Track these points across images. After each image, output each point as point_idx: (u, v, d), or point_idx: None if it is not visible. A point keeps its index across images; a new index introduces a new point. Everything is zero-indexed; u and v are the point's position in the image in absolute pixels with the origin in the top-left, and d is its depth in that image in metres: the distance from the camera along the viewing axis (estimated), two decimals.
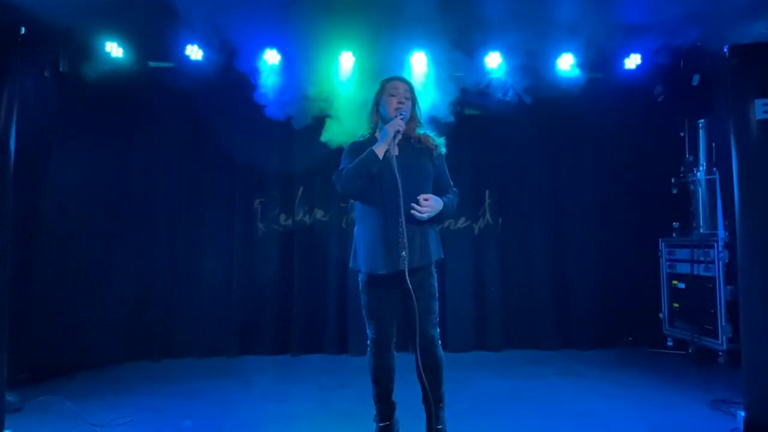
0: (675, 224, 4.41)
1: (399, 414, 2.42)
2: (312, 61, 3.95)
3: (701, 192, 4.17)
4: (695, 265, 4.04)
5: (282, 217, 4.45)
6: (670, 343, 4.36)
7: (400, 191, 2.10)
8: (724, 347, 3.77)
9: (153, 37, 3.85)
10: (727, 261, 3.81)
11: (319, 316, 4.35)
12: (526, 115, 4.29)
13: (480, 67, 4.11)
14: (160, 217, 4.30)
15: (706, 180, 4.14)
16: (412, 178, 2.18)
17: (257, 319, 4.33)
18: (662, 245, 4.46)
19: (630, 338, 4.47)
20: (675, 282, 4.31)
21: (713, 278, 3.88)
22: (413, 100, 2.31)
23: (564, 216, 4.57)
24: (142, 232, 4.25)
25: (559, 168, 4.59)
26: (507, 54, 4.06)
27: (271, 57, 3.98)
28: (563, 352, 4.33)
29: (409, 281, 2.08)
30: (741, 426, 2.52)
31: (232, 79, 3.98)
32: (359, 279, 2.29)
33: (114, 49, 3.90)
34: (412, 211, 2.11)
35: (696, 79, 4.24)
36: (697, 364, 3.85)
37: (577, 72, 4.15)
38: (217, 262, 4.34)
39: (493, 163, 4.56)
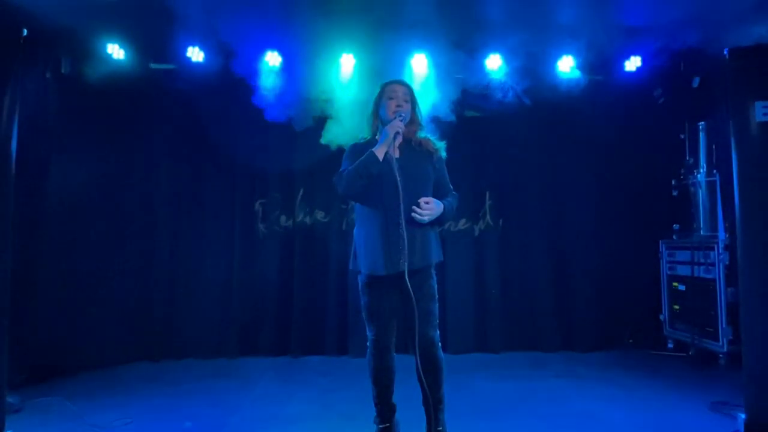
0: (675, 226, 4.41)
1: (399, 416, 2.42)
2: (313, 62, 3.96)
3: (701, 194, 4.17)
4: (696, 267, 4.04)
5: (283, 218, 4.45)
6: (670, 345, 4.35)
7: (401, 193, 2.11)
8: (725, 349, 3.76)
9: (154, 39, 3.86)
10: (727, 263, 3.80)
11: (319, 318, 4.35)
12: (526, 117, 4.29)
13: (480, 68, 4.12)
14: (161, 219, 4.30)
15: (707, 182, 4.14)
16: (412, 181, 2.19)
17: (258, 321, 4.34)
18: (663, 247, 4.46)
19: (630, 340, 4.47)
20: (675, 284, 4.31)
21: (714, 280, 3.88)
22: (413, 103, 2.33)
23: (564, 217, 4.57)
24: (143, 233, 4.26)
25: (560, 170, 4.59)
26: (507, 56, 4.06)
27: (272, 59, 3.99)
28: (563, 353, 4.33)
29: (409, 283, 2.09)
30: (741, 428, 2.52)
31: (233, 80, 3.99)
32: (359, 280, 2.29)
33: (115, 51, 3.91)
34: (413, 214, 2.13)
35: (696, 82, 4.25)
36: (697, 366, 3.85)
37: (577, 74, 4.15)
38: (218, 263, 4.34)
39: (493, 164, 4.56)
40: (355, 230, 2.34)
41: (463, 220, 4.48)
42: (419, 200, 2.15)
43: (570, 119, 4.48)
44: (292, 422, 2.79)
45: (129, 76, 4.03)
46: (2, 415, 2.36)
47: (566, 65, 4.15)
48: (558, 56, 4.14)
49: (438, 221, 2.26)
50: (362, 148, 2.25)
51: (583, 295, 4.48)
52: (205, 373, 3.80)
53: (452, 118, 3.99)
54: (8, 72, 2.41)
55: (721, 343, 3.78)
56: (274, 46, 3.98)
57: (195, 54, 3.95)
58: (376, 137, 2.31)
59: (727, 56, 2.67)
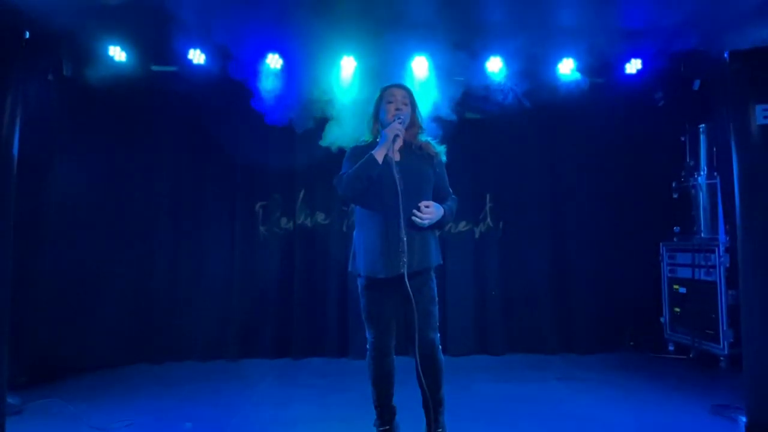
0: (676, 228, 4.41)
1: (399, 418, 2.42)
2: (314, 65, 3.97)
3: (702, 196, 4.17)
4: (696, 269, 4.04)
5: (283, 220, 4.46)
6: (671, 348, 4.35)
7: (400, 196, 2.11)
8: (726, 352, 3.76)
9: (156, 41, 3.87)
10: (728, 265, 3.80)
11: (320, 320, 4.35)
12: (527, 120, 4.30)
13: (481, 71, 4.13)
14: (162, 220, 4.31)
15: (707, 184, 4.15)
16: (412, 184, 2.19)
17: (258, 322, 4.34)
18: (663, 249, 4.45)
19: (631, 343, 4.47)
20: (676, 286, 4.30)
21: (714, 283, 3.87)
22: (413, 106, 2.34)
23: (565, 220, 4.57)
24: (144, 234, 4.26)
25: (560, 172, 4.59)
26: (508, 58, 4.07)
27: (273, 61, 4.01)
28: (564, 356, 4.32)
29: (408, 285, 2.09)
30: (742, 431, 2.51)
31: (235, 82, 4.00)
32: (358, 283, 2.29)
33: (117, 53, 3.92)
34: (413, 218, 2.13)
35: (696, 84, 4.25)
36: (698, 369, 3.84)
37: (577, 76, 4.16)
38: (219, 265, 4.35)
39: (494, 167, 4.56)
40: (354, 233, 2.34)
41: (464, 222, 4.48)
42: (419, 204, 2.15)
43: (570, 122, 4.48)
44: (293, 424, 2.79)
45: (130, 78, 4.04)
46: (3, 417, 2.36)
47: (567, 68, 4.15)
48: (558, 59, 4.15)
49: (437, 225, 2.26)
50: (362, 151, 2.25)
51: (583, 298, 4.48)
52: (205, 375, 3.80)
53: (453, 120, 4.00)
54: (10, 74, 2.42)
55: (721, 346, 3.78)
56: (275, 49, 3.99)
57: (196, 56, 3.96)
58: (377, 140, 2.31)
59: (727, 59, 2.67)
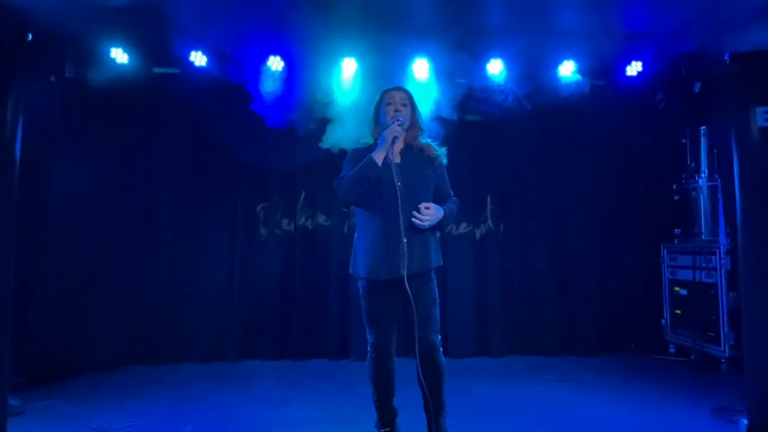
0: (677, 231, 4.41)
1: (400, 420, 2.42)
2: (315, 67, 3.98)
3: (703, 199, 4.17)
4: (697, 271, 4.04)
5: (284, 221, 4.46)
6: (672, 350, 4.34)
7: (399, 197, 2.11)
8: (727, 354, 3.76)
9: (158, 43, 3.88)
10: (729, 268, 3.80)
11: (320, 321, 4.35)
12: (527, 122, 4.31)
13: (482, 73, 4.14)
14: (163, 221, 4.31)
15: (708, 187, 4.15)
16: (413, 186, 2.19)
17: (258, 324, 4.34)
18: (664, 252, 4.45)
19: (632, 345, 4.47)
20: (677, 288, 4.30)
21: (715, 285, 3.87)
22: (413, 108, 2.34)
23: (565, 222, 4.57)
24: (145, 236, 4.26)
25: (561, 174, 4.60)
26: (509, 60, 4.08)
27: (275, 63, 4.02)
28: (565, 358, 4.32)
29: (408, 287, 2.09)
30: None
31: (236, 84, 4.01)
32: (359, 285, 2.29)
33: (119, 55, 3.93)
34: (413, 220, 2.13)
35: (697, 86, 4.26)
36: (699, 371, 3.84)
37: (578, 79, 4.16)
38: (219, 266, 4.35)
39: (494, 168, 4.57)
40: (355, 235, 2.34)
41: (465, 224, 4.49)
42: (419, 206, 2.15)
43: (571, 124, 4.49)
44: (293, 426, 2.79)
45: (132, 80, 4.05)
46: (4, 418, 2.36)
47: (567, 70, 4.16)
48: (559, 61, 4.16)
49: (438, 226, 2.26)
50: (363, 153, 2.26)
51: (584, 300, 4.47)
52: (205, 377, 3.80)
53: (453, 121, 4.01)
54: (13, 75, 2.43)
55: (722, 348, 3.78)
56: (276, 51, 4.00)
57: (198, 58, 3.97)
58: (377, 142, 2.32)
59: (728, 61, 2.68)
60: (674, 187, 4.40)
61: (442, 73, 4.05)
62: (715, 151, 4.14)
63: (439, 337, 2.25)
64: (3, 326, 2.34)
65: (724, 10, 3.33)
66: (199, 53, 3.96)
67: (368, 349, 2.31)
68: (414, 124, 2.34)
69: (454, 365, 3.95)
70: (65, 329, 3.84)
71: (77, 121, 3.96)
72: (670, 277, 4.39)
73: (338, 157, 3.61)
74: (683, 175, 4.36)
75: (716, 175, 4.10)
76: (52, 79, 3.77)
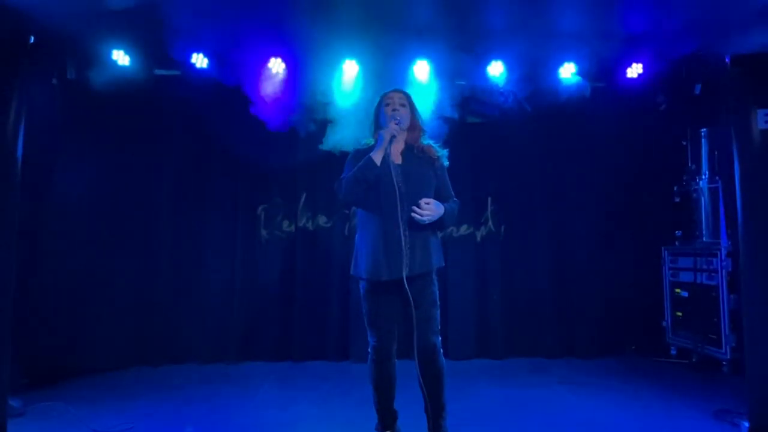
0: (678, 233, 4.40)
1: (401, 422, 2.41)
2: (316, 69, 3.99)
3: (704, 200, 4.17)
4: (698, 273, 4.03)
5: (285, 223, 4.46)
6: (673, 352, 4.33)
7: (398, 198, 2.11)
8: (728, 356, 3.75)
9: (159, 45, 3.89)
10: (730, 270, 3.80)
11: (321, 323, 4.35)
12: (528, 124, 4.31)
13: (483, 75, 4.14)
14: (164, 223, 4.32)
15: (709, 188, 4.14)
16: (414, 187, 2.20)
17: (259, 325, 4.34)
18: (665, 253, 4.45)
19: (633, 347, 4.46)
20: (678, 290, 4.29)
21: (716, 287, 3.87)
22: (412, 108, 2.35)
23: (566, 223, 4.57)
24: (146, 238, 4.27)
25: (562, 176, 4.60)
26: (510, 62, 4.08)
27: (276, 65, 4.02)
28: (566, 360, 4.31)
29: (409, 289, 2.09)
30: None
31: (237, 86, 4.02)
32: (360, 286, 2.30)
33: (121, 57, 3.94)
34: (413, 215, 2.13)
35: (698, 89, 4.26)
36: (700, 374, 3.83)
37: (579, 81, 4.16)
38: (220, 268, 4.35)
39: (495, 170, 4.57)
40: (356, 236, 2.35)
41: (465, 226, 4.49)
42: (419, 201, 2.15)
43: (572, 126, 4.49)
44: (293, 427, 2.79)
45: (134, 81, 4.06)
46: (5, 420, 2.37)
47: (568, 72, 4.16)
48: (560, 63, 4.16)
49: (439, 225, 2.26)
50: (364, 153, 2.26)
51: (585, 302, 4.47)
52: (206, 378, 3.80)
53: (454, 123, 4.01)
54: (15, 77, 2.44)
55: (724, 350, 3.77)
56: (277, 53, 4.01)
57: (199, 60, 3.98)
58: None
59: (729, 63, 2.68)
60: (675, 188, 4.40)
61: (443, 75, 4.05)
62: (716, 153, 4.14)
63: (440, 338, 2.25)
64: (4, 328, 2.34)
65: (725, 11, 3.33)
66: (201, 55, 3.97)
67: (369, 350, 2.31)
68: (414, 125, 2.35)
69: (455, 367, 3.94)
70: (66, 330, 3.84)
71: (79, 122, 3.97)
72: (671, 279, 4.39)
73: (339, 158, 3.62)
74: (684, 177, 4.35)
75: (717, 177, 4.09)
76: (54, 81, 3.78)
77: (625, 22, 3.59)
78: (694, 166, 4.30)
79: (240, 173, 4.42)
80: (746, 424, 2.53)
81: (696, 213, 4.25)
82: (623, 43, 3.84)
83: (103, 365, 3.94)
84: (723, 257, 3.84)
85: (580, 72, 4.16)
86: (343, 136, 3.78)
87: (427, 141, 2.38)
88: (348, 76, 4.04)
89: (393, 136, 2.21)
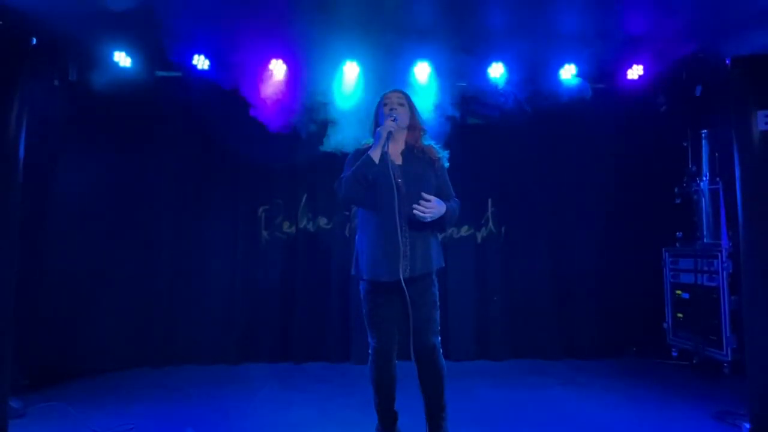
0: (678, 234, 4.40)
1: (401, 423, 2.41)
2: (317, 70, 3.99)
3: (704, 202, 4.17)
4: (699, 275, 4.03)
5: (286, 224, 4.47)
6: (674, 354, 4.33)
7: (396, 197, 2.11)
8: (729, 358, 3.74)
9: (160, 47, 3.90)
10: (731, 271, 3.79)
11: (321, 324, 4.35)
12: (529, 125, 4.31)
13: (483, 76, 4.15)
14: (165, 224, 4.32)
15: (710, 190, 4.14)
16: (414, 187, 2.19)
17: (260, 327, 4.34)
18: (666, 255, 4.45)
19: (634, 348, 4.45)
20: (679, 292, 4.29)
21: (717, 288, 3.86)
22: (410, 108, 2.35)
23: (567, 225, 4.57)
24: (147, 238, 4.27)
25: (562, 177, 4.60)
26: (510, 64, 4.09)
27: (277, 66, 4.03)
28: (566, 361, 4.31)
29: (408, 290, 2.09)
30: None
31: (238, 88, 4.02)
32: (360, 287, 2.30)
33: (122, 59, 3.95)
34: (415, 212, 2.11)
35: (698, 90, 4.26)
36: (701, 375, 3.83)
37: (579, 82, 4.17)
38: (221, 269, 4.36)
39: (496, 171, 4.57)
40: (357, 236, 2.34)
41: (466, 227, 4.49)
42: (421, 198, 2.13)
43: (572, 127, 4.49)
44: (294, 429, 2.78)
45: (135, 83, 4.07)
46: (5, 420, 2.37)
47: (568, 73, 4.17)
48: (560, 64, 4.17)
49: (439, 225, 2.25)
50: (363, 153, 2.26)
51: (586, 303, 4.47)
52: (206, 379, 3.80)
53: (455, 125, 4.02)
54: (17, 79, 2.45)
55: (725, 352, 3.76)
56: (278, 54, 4.02)
57: (200, 62, 3.99)
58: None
59: (729, 65, 2.68)
60: (676, 190, 4.40)
61: (444, 76, 4.06)
62: (716, 155, 4.14)
63: (439, 339, 2.25)
64: (5, 329, 2.34)
65: (725, 13, 3.34)
66: (202, 57, 3.98)
67: (369, 352, 2.31)
68: (414, 124, 2.34)
69: (455, 368, 3.94)
70: (67, 332, 3.84)
71: (80, 124, 3.98)
72: (671, 280, 4.38)
73: (340, 159, 3.59)
74: (685, 179, 4.35)
75: (718, 178, 4.09)
76: (56, 82, 3.79)
77: (626, 23, 3.59)
78: (694, 168, 4.30)
79: (241, 174, 4.43)
80: (747, 426, 2.53)
81: (697, 214, 4.25)
82: (624, 45, 3.85)
83: (104, 366, 3.94)
84: (724, 258, 3.84)
85: (580, 73, 4.17)
86: (344, 137, 3.79)
87: (428, 142, 2.37)
88: (349, 78, 4.05)
89: (390, 133, 2.20)
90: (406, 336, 2.24)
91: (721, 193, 4.05)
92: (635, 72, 4.26)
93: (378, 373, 2.29)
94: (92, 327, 3.98)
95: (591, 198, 4.56)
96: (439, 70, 4.06)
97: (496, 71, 4.11)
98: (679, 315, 4.28)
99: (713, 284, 3.91)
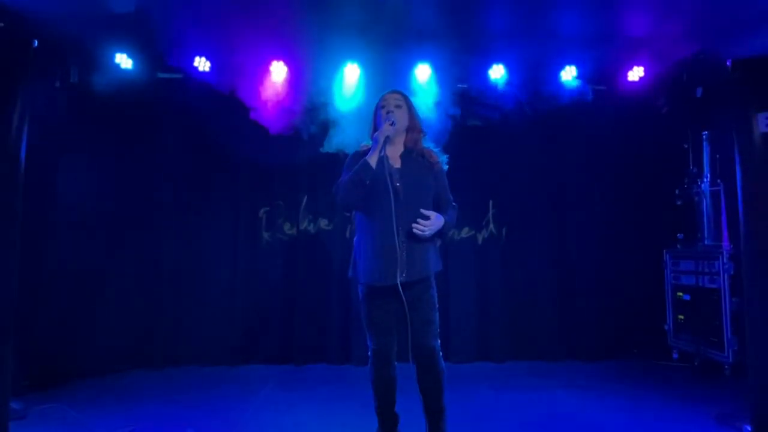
0: (679, 236, 4.40)
1: (402, 425, 2.41)
2: (317, 72, 4.00)
3: (705, 203, 4.17)
4: (700, 276, 4.02)
5: (286, 226, 4.47)
6: (675, 356, 4.32)
7: (393, 201, 2.10)
8: (730, 360, 3.73)
9: (162, 48, 3.91)
10: (732, 273, 3.79)
11: (322, 326, 4.35)
12: (529, 127, 4.31)
13: (484, 78, 4.15)
14: (166, 226, 4.32)
15: (711, 191, 4.14)
16: (412, 191, 2.19)
17: (261, 328, 4.34)
18: (667, 257, 4.44)
19: (635, 350, 4.45)
20: (680, 294, 4.28)
21: (718, 290, 3.86)
22: (409, 108, 2.32)
23: (568, 226, 4.57)
24: (148, 240, 4.28)
25: (563, 179, 4.60)
26: (510, 66, 4.09)
27: (278, 68, 4.04)
28: (567, 363, 4.30)
29: (405, 294, 2.08)
30: None
31: (239, 90, 4.03)
32: (359, 290, 2.29)
33: (123, 61, 3.96)
34: (414, 230, 2.11)
35: (699, 92, 4.26)
36: (702, 377, 3.82)
37: (580, 84, 4.17)
38: (222, 270, 4.36)
39: (496, 173, 4.57)
40: (355, 239, 2.34)
41: (466, 229, 4.49)
42: (420, 216, 2.12)
43: (573, 129, 4.50)
44: (295, 430, 2.78)
45: (137, 85, 4.08)
46: (6, 422, 2.37)
47: (569, 75, 4.17)
48: (561, 66, 4.17)
49: (438, 234, 2.24)
50: (361, 156, 2.24)
51: (587, 305, 4.46)
52: (207, 381, 3.80)
53: (455, 126, 4.02)
54: (19, 81, 2.45)
55: (726, 354, 3.75)
56: (279, 56, 4.03)
57: (202, 64, 4.00)
58: None
59: (729, 67, 2.68)
60: (677, 192, 4.40)
61: (444, 78, 4.06)
62: (717, 156, 4.13)
63: (439, 341, 2.24)
64: (6, 330, 2.35)
65: (726, 15, 3.34)
66: (203, 59, 3.99)
67: (369, 355, 2.30)
68: (413, 125, 2.32)
69: (456, 370, 3.94)
70: (67, 333, 3.84)
71: (82, 125, 3.99)
72: (672, 282, 4.38)
73: (340, 161, 3.60)
74: (686, 180, 4.35)
75: (719, 180, 4.09)
76: (57, 84, 3.80)
77: (627, 25, 3.60)
78: (695, 169, 4.30)
79: (241, 176, 4.44)
80: (748, 428, 2.52)
81: (698, 216, 4.25)
82: (624, 46, 3.85)
83: (105, 367, 3.95)
84: (725, 260, 3.83)
85: (581, 75, 4.17)
86: (345, 139, 3.79)
87: (427, 144, 2.36)
88: (349, 79, 4.06)
89: (387, 137, 2.19)
90: (405, 339, 2.24)
91: (722, 194, 4.05)
92: (636, 74, 4.27)
93: (378, 376, 2.28)
94: (93, 328, 3.99)
95: (592, 199, 4.56)
96: (439, 72, 4.06)
97: (497, 73, 4.11)
98: (680, 317, 4.27)
99: (714, 286, 3.91)
